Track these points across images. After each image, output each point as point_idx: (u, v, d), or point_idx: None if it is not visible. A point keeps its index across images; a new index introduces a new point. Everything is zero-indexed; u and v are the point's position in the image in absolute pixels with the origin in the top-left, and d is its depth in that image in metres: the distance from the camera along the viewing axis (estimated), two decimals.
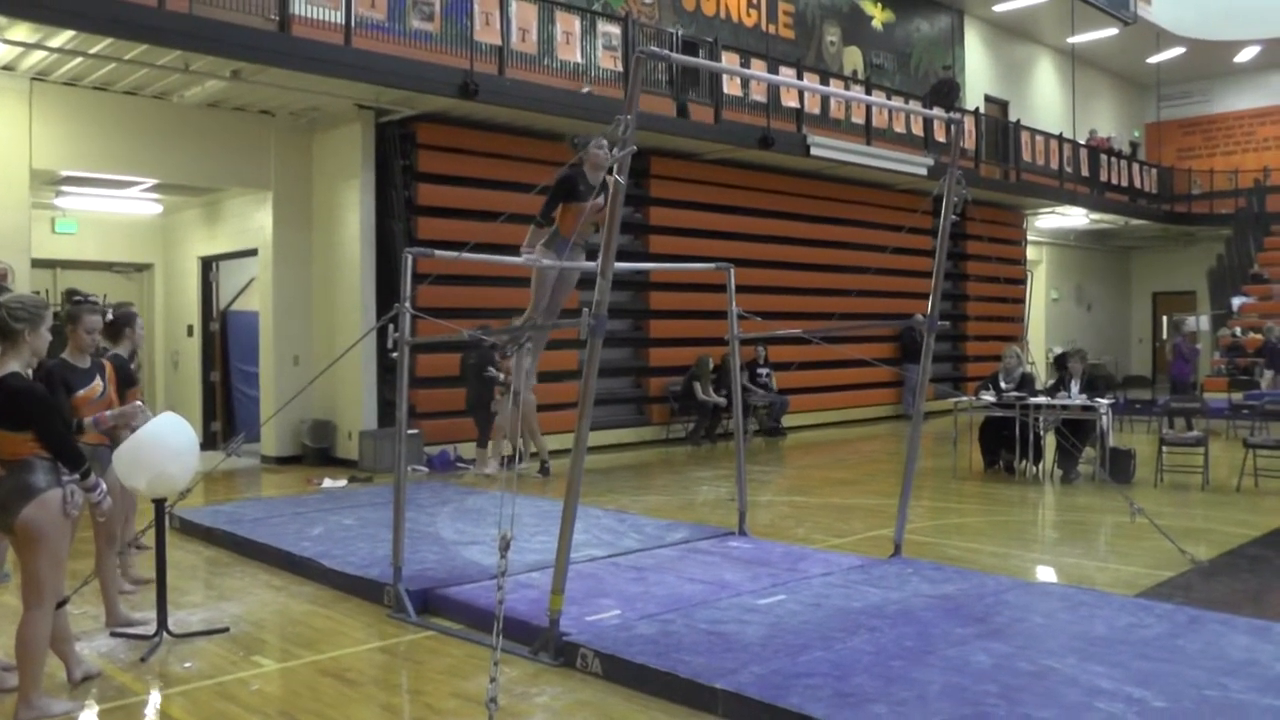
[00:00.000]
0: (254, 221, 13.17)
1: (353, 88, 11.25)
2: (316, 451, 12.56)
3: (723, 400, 14.63)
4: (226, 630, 5.70)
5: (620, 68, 13.21)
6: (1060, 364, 11.61)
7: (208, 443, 13.25)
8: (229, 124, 12.26)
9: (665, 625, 5.35)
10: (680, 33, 14.88)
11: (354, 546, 7.41)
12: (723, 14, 17.72)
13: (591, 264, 6.05)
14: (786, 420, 16.15)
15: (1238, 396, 15.68)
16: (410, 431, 10.04)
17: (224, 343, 14.37)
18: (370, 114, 12.30)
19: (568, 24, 12.74)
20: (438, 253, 6.57)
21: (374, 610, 6.13)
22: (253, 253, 13.30)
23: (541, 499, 8.83)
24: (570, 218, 6.50)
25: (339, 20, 10.79)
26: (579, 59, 12.85)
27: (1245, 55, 26.33)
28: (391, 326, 6.28)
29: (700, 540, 7.70)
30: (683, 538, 7.77)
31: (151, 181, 12.73)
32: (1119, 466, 10.76)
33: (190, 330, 14.70)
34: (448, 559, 7.00)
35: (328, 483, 11.12)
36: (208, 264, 14.57)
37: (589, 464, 5.31)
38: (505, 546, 4.52)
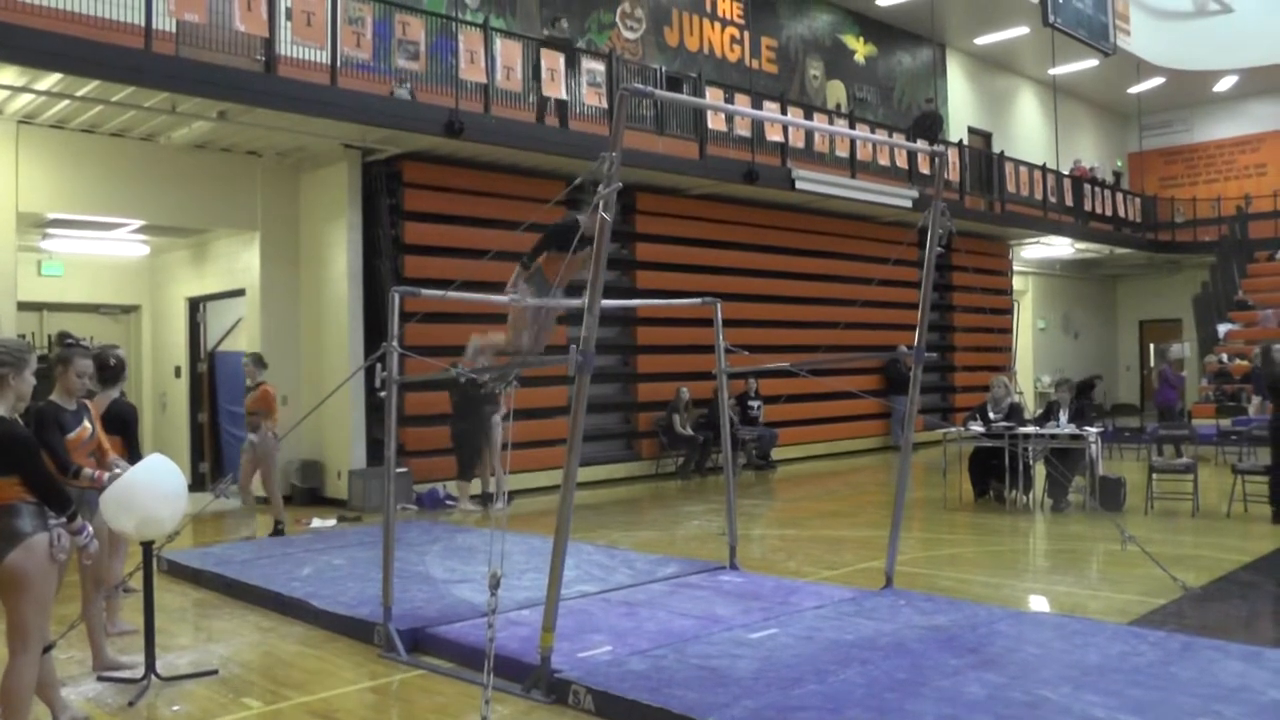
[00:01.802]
0: (241, 262, 13.17)
1: (339, 127, 11.31)
2: (305, 491, 12.51)
3: (695, 435, 14.67)
4: (215, 673, 5.65)
5: (605, 104, 13.31)
6: (1083, 389, 11.60)
7: (196, 484, 13.17)
8: (216, 165, 12.29)
9: (657, 660, 5.33)
10: (664, 69, 15.00)
11: (344, 586, 7.37)
12: (705, 49, 17.87)
13: (576, 301, 6.05)
14: (775, 453, 16.14)
15: (1226, 423, 15.72)
16: (399, 470, 10.03)
17: (212, 383, 14.32)
18: (356, 153, 12.34)
19: (552, 61, 12.84)
20: (424, 291, 6.58)
21: (364, 650, 6.09)
22: (240, 293, 13.29)
23: (531, 536, 8.81)
24: (555, 265, 6.42)
25: (325, 60, 10.87)
26: (564, 95, 12.94)
27: (1224, 84, 26.64)
28: (380, 365, 6.27)
29: (691, 575, 7.67)
30: (674, 572, 7.75)
31: (139, 223, 12.72)
32: (1109, 494, 10.78)
33: (178, 371, 14.65)
34: (438, 597, 6.96)
35: (316, 522, 11.07)
36: (195, 305, 14.56)
37: (579, 500, 5.30)
38: (495, 584, 4.51)
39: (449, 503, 12.11)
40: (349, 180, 12.37)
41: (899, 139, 17.38)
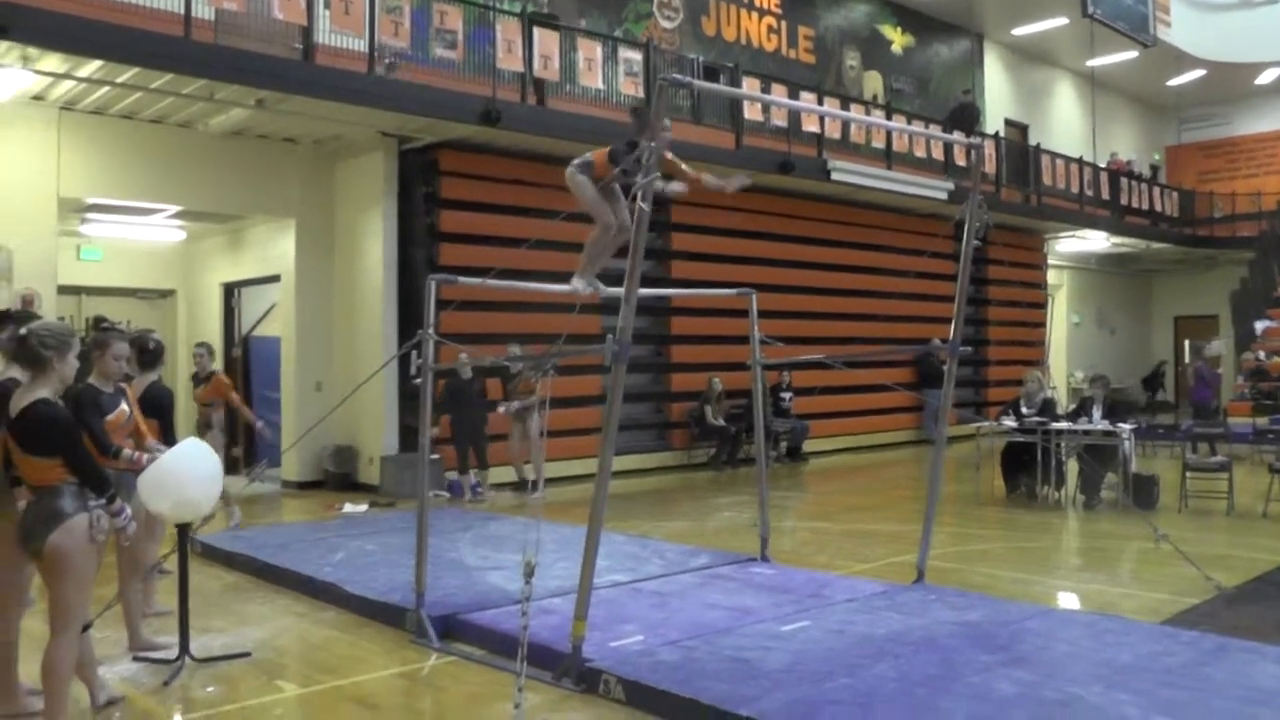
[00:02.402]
0: (277, 248, 13.28)
1: (376, 116, 11.35)
2: (338, 477, 12.61)
3: (727, 426, 14.69)
4: (248, 655, 5.71)
5: (642, 94, 13.29)
6: (1152, 380, 11.47)
7: (229, 468, 13.26)
8: (253, 152, 12.39)
9: (688, 651, 5.34)
10: (701, 59, 14.96)
11: (375, 572, 7.42)
12: (743, 39, 17.81)
13: (614, 290, 5.98)
14: (807, 445, 16.10)
15: (1262, 421, 15.54)
16: (431, 457, 10.07)
17: (246, 368, 14.46)
18: (393, 141, 12.40)
19: (589, 51, 12.83)
20: (461, 279, 6.58)
21: (396, 636, 6.13)
22: (275, 279, 13.40)
23: (562, 525, 8.83)
24: (602, 168, 6.10)
25: (362, 49, 10.91)
26: (601, 85, 12.94)
27: (1266, 77, 26.25)
28: (415, 353, 6.29)
29: (722, 566, 7.68)
30: (705, 564, 7.76)
31: (176, 209, 12.85)
32: (1142, 492, 10.69)
33: (212, 355, 14.76)
34: (469, 584, 7.00)
35: (349, 508, 11.15)
36: (230, 290, 14.68)
37: (611, 489, 5.30)
38: (530, 573, 4.52)
39: (477, 491, 12.16)
40: (385, 168, 12.44)
41: (935, 130, 17.26)
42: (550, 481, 12.07)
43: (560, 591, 6.49)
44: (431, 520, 6.54)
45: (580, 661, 5.08)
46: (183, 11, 9.59)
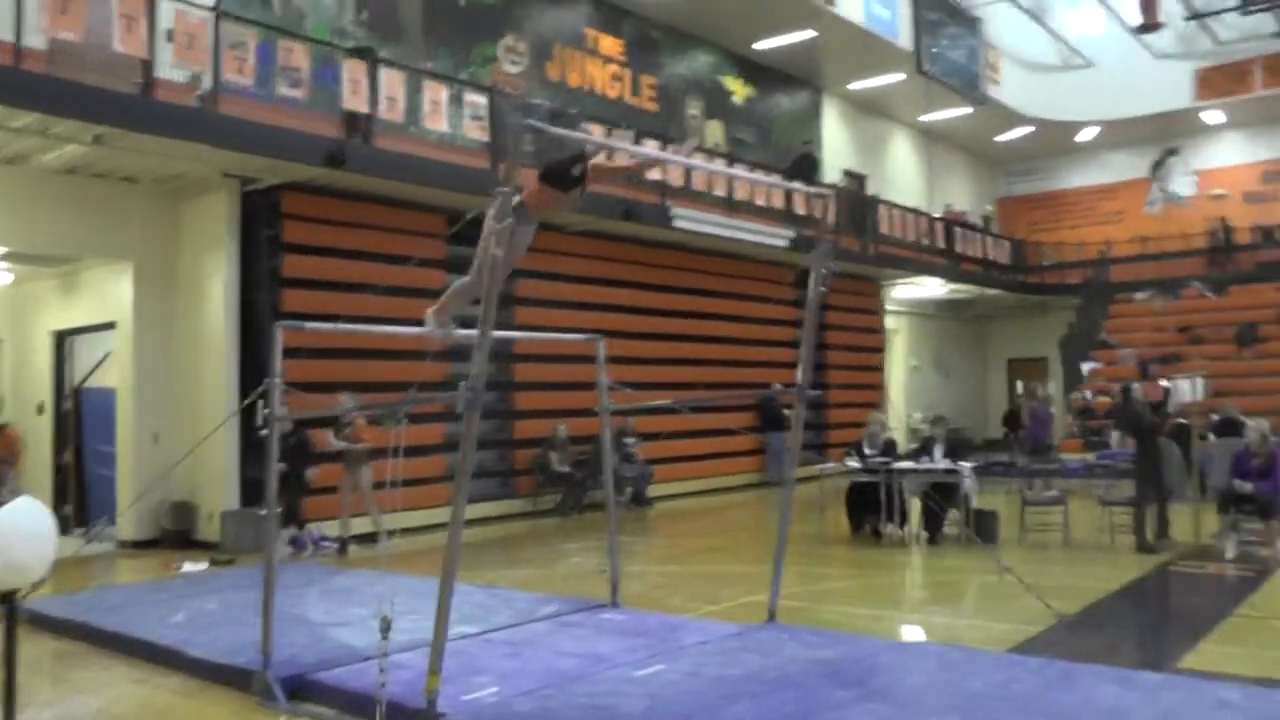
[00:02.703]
0: (113, 293, 12.69)
1: (218, 155, 11.05)
2: (175, 534, 12.05)
3: (573, 472, 14.69)
4: None
5: (487, 138, 13.29)
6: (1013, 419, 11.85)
7: (60, 528, 12.58)
8: (89, 190, 11.86)
9: (544, 701, 5.28)
10: (546, 104, 15.03)
11: (219, 632, 7.12)
12: (587, 86, 17.99)
13: (471, 331, 5.80)
14: (652, 490, 16.13)
15: (1091, 457, 16.31)
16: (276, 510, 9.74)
17: (78, 421, 13.76)
18: (236, 182, 12.06)
19: (435, 93, 12.78)
20: (309, 325, 6.42)
21: (242, 699, 5.88)
22: (111, 326, 12.80)
23: (408, 576, 8.65)
24: (543, 200, 5.49)
25: (206, 85, 10.62)
26: (445, 128, 12.88)
27: (1086, 135, 27.89)
28: (261, 403, 6.09)
29: (573, 613, 7.61)
30: (556, 611, 7.68)
31: (2, 250, 12.19)
32: (984, 527, 11.05)
33: (40, 408, 14.02)
34: (316, 641, 6.78)
35: (188, 566, 10.67)
36: (61, 338, 13.99)
37: None
38: (386, 627, 4.41)
39: (324, 544, 11.80)
40: (228, 210, 12.08)
41: (776, 179, 17.69)
42: (392, 533, 11.80)
43: (410, 645, 6.30)
44: (275, 576, 6.32)
45: (435, 716, 4.96)
46: (13, 40, 9.16)
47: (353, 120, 11.99)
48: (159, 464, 11.81)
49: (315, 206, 12.55)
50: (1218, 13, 24.35)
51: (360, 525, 11.81)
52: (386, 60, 12.80)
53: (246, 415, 10.88)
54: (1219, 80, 25.41)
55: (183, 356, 12.53)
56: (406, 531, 11.95)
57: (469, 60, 15.91)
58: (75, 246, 12.22)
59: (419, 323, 6.13)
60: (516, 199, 5.21)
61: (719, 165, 17.33)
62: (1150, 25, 23.09)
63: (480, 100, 13.35)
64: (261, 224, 12.25)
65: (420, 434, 12.40)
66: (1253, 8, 23.45)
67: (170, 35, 10.39)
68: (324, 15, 13.99)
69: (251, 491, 11.84)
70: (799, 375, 7.04)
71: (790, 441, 7.39)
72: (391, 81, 12.29)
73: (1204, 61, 25.51)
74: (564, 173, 5.33)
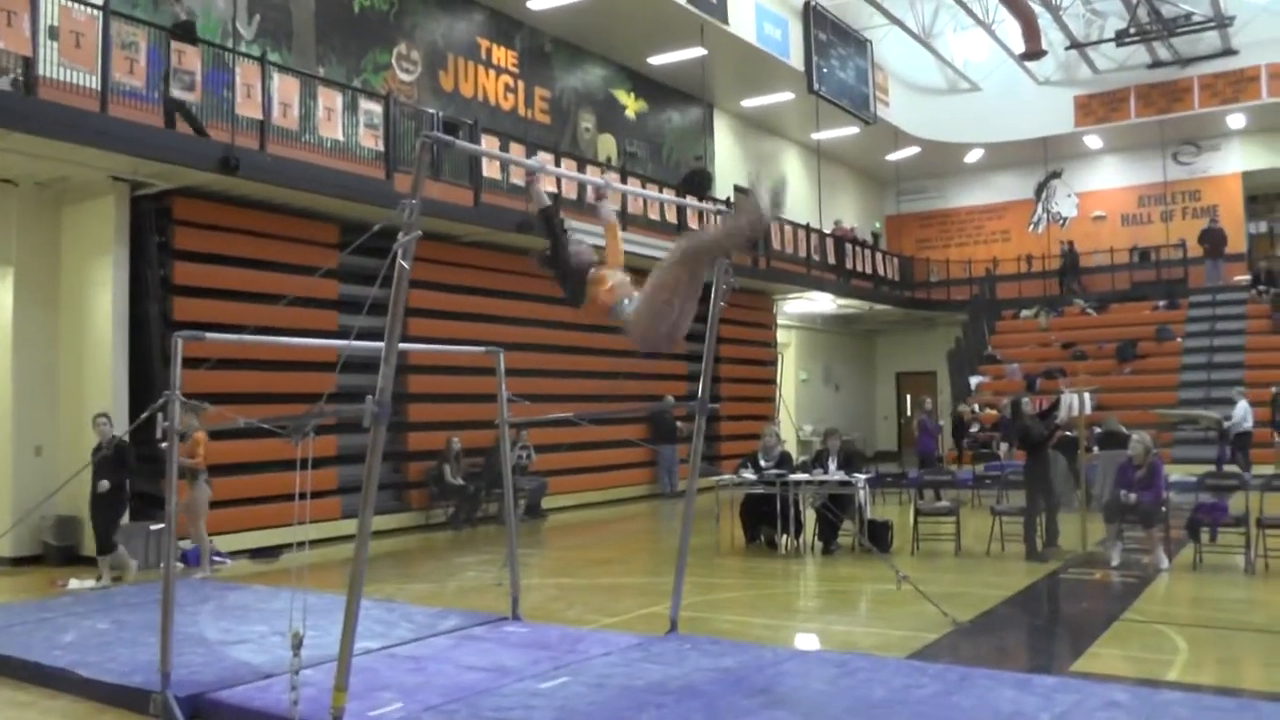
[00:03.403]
0: None
1: (107, 158, 10.73)
2: (60, 550, 11.60)
3: (466, 485, 14.61)
4: None
5: (381, 146, 13.16)
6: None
7: None
8: None
9: (450, 715, 5.26)
10: (440, 114, 14.94)
11: (113, 652, 6.88)
12: (480, 96, 17.95)
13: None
14: (545, 502, 16.08)
15: (979, 468, 16.82)
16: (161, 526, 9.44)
17: None
18: (125, 187, 11.71)
19: (330, 100, 12.63)
20: (209, 335, 6.27)
21: None
22: None
23: (305, 591, 8.50)
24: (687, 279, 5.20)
25: (94, 85, 10.31)
26: (340, 136, 12.73)
27: (972, 157, 28.78)
28: (161, 415, 5.95)
29: (474, 627, 7.56)
30: (456, 625, 7.63)
31: None
32: (878, 537, 11.28)
33: None
34: (215, 660, 6.61)
35: (74, 584, 10.29)
36: None
37: (347, 552, 5.16)
38: (298, 644, 4.34)
39: (216, 560, 11.49)
40: (116, 215, 11.70)
41: (669, 194, 17.85)
42: (284, 548, 11.57)
43: (310, 662, 6.17)
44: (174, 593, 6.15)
45: None
46: None
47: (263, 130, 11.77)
48: (41, 476, 11.39)
49: (208, 213, 12.27)
50: (1096, 43, 25.39)
51: (264, 538, 11.52)
52: (280, 65, 12.62)
53: (136, 428, 10.57)
54: (1096, 107, 26.48)
55: (66, 365, 12.09)
56: (295, 547, 11.73)
57: (360, 68, 15.75)
58: None
59: (314, 333, 6.08)
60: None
61: (613, 179, 17.38)
62: (1033, 53, 23.90)
63: (375, 108, 13.23)
64: (151, 230, 11.93)
65: (316, 447, 12.16)
66: (1127, 40, 24.51)
67: (54, 32, 10.06)
68: (215, 18, 13.71)
69: (138, 506, 11.50)
70: (700, 388, 7.12)
71: (690, 453, 7.45)
72: (286, 87, 12.12)
73: (1083, 89, 26.56)
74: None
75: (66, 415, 11.97)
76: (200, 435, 10.58)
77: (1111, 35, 24.79)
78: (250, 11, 14.21)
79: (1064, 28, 24.58)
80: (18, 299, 11.88)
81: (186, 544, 11.26)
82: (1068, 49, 25.53)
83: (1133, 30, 24.16)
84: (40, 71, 10.02)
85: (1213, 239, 25.12)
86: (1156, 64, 25.40)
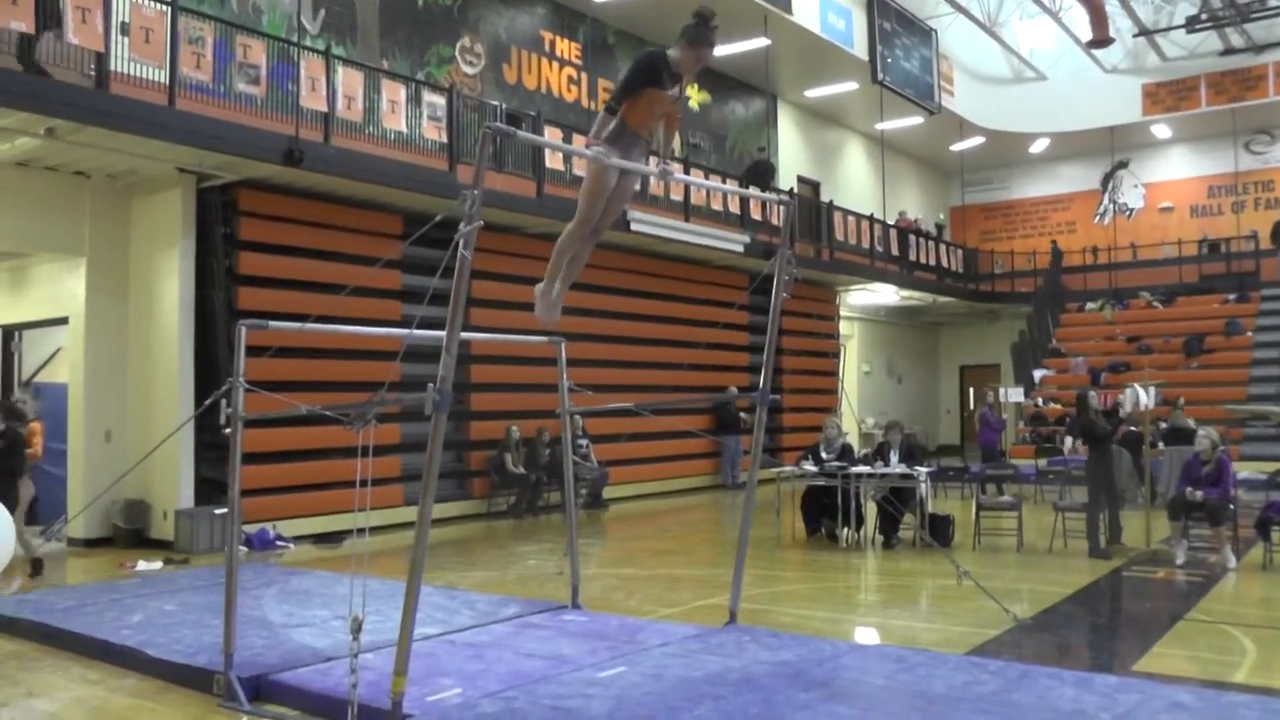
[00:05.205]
0: (65, 288, 12.49)
1: (174, 151, 10.90)
2: (129, 533, 11.88)
3: (527, 474, 14.68)
4: None
5: (444, 138, 13.24)
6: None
7: None
8: (40, 184, 11.66)
9: (509, 702, 5.28)
10: (503, 106, 15.00)
11: (178, 633, 7.03)
12: (544, 88, 17.99)
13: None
14: (606, 492, 16.15)
15: (1043, 463, 16.58)
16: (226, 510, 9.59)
17: None
18: (191, 179, 11.92)
19: (393, 92, 12.73)
20: (272, 324, 6.36)
21: (203, 700, 5.80)
22: (62, 321, 12.59)
23: (369, 577, 8.60)
24: (642, 109, 5.55)
25: (162, 80, 10.50)
26: (403, 128, 12.83)
27: (1037, 147, 28.33)
28: (224, 402, 6.04)
29: (533, 615, 7.60)
30: (516, 613, 7.67)
31: None
32: (939, 531, 11.17)
33: None
34: (277, 643, 6.72)
35: (142, 565, 10.53)
36: (9, 333, 13.74)
37: (409, 539, 5.20)
38: (358, 628, 4.39)
39: (279, 544, 11.70)
40: (183, 206, 11.92)
41: (733, 185, 17.80)
42: (346, 533, 11.70)
43: (370, 646, 6.26)
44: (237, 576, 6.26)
45: (401, 718, 4.94)
46: None
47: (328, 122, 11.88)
48: (111, 461, 11.64)
49: (272, 204, 12.45)
50: (1165, 30, 24.86)
51: (327, 524, 11.71)
52: (344, 58, 12.74)
53: (202, 414, 10.78)
54: (1165, 96, 25.94)
55: (135, 353, 12.36)
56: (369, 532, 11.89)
57: (424, 61, 15.86)
58: (24, 241, 12.00)
59: (378, 323, 6.15)
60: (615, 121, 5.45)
61: (683, 174, 17.37)
62: (1101, 41, 23.47)
63: (439, 101, 13.32)
64: (216, 221, 12.13)
65: (379, 435, 12.33)
66: (1198, 27, 23.96)
67: (125, 28, 10.25)
68: (281, 13, 13.89)
69: (206, 490, 11.74)
70: (762, 379, 7.09)
71: (752, 445, 7.42)
72: (350, 80, 12.24)
73: (1151, 77, 26.02)
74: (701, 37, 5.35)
75: (135, 401, 12.25)
76: (36, 424, 10.50)
77: (1181, 22, 24.25)
78: (315, 6, 14.37)
79: (1132, 15, 24.09)
80: (90, 289, 12.16)
81: (251, 528, 11.49)
82: (1136, 36, 25.02)
83: (1204, 16, 23.61)
84: (111, 66, 10.20)
85: None
86: (1229, 51, 24.79)
